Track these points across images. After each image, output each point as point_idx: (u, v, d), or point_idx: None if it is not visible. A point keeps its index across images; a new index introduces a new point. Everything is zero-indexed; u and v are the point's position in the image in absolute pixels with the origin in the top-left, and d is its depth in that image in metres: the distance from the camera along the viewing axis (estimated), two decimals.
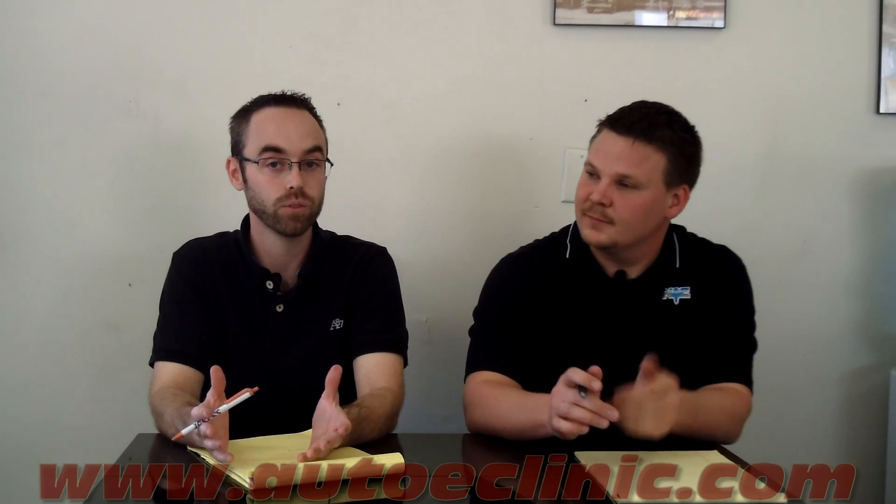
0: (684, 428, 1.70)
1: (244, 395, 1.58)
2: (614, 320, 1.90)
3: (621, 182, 1.82)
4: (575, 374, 1.60)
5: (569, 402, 1.60)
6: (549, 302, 1.92)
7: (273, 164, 1.84)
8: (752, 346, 1.94)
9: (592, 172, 1.86)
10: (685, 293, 1.91)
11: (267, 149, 1.84)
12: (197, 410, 1.55)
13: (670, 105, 1.89)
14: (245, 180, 1.88)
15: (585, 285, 1.92)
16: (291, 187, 1.82)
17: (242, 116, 1.89)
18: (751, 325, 1.95)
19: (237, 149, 1.89)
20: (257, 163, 1.84)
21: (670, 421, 1.61)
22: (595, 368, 1.60)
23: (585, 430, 1.60)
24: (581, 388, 1.60)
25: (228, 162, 1.91)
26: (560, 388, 1.62)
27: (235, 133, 1.89)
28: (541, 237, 2.04)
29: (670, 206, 1.87)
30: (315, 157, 1.87)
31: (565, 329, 1.90)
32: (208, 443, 1.54)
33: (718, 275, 1.93)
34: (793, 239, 2.48)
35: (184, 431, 1.56)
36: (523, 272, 1.95)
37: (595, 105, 2.38)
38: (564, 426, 1.59)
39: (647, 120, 1.82)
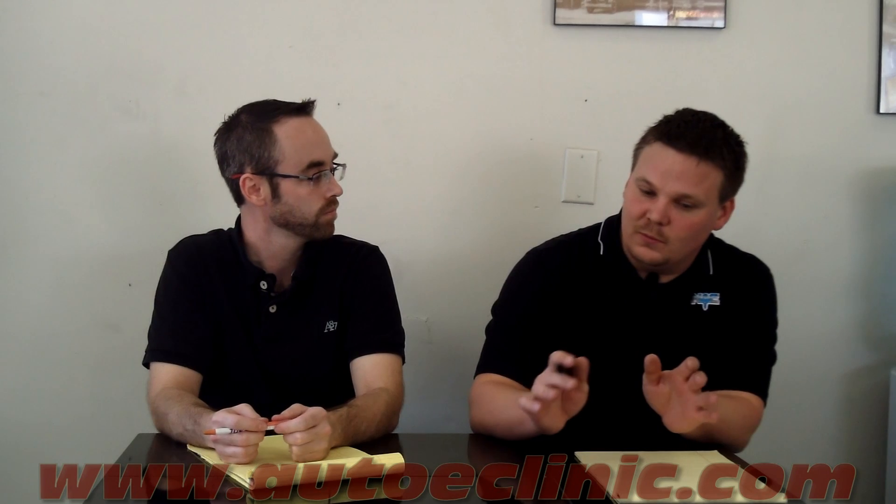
0: (697, 431, 1.70)
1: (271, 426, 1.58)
2: (641, 323, 1.89)
3: (679, 201, 1.79)
4: (554, 355, 1.60)
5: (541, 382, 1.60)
6: (574, 300, 1.90)
7: (317, 178, 1.85)
8: (772, 358, 1.93)
9: (648, 190, 1.81)
10: (714, 300, 1.90)
11: (312, 164, 1.84)
12: (247, 422, 1.53)
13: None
14: (277, 196, 1.84)
15: (614, 285, 1.90)
16: (334, 195, 1.87)
17: (259, 130, 1.83)
18: (773, 337, 1.93)
19: (262, 165, 1.83)
20: (298, 178, 1.83)
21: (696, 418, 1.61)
22: (582, 359, 1.60)
23: (536, 406, 1.59)
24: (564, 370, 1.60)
25: (244, 180, 1.84)
26: (544, 372, 1.62)
27: (256, 148, 1.83)
28: (542, 237, 2.03)
29: (719, 217, 1.86)
30: (336, 162, 1.90)
31: (589, 328, 1.88)
32: (235, 450, 1.53)
33: (748, 284, 1.92)
34: (793, 239, 2.48)
35: (218, 431, 1.54)
36: (547, 269, 1.92)
37: (595, 105, 2.41)
38: (523, 401, 1.60)
39: (707, 137, 1.78)
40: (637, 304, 1.89)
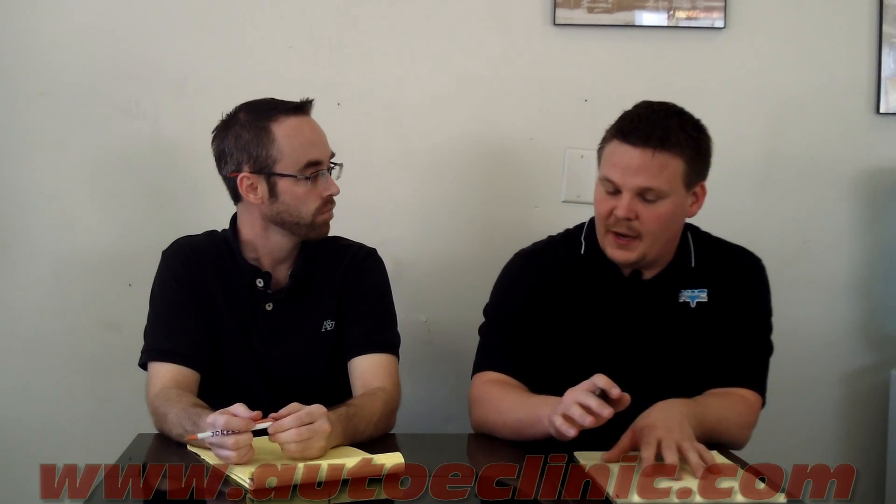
0: (695, 431, 1.69)
1: (268, 423, 1.57)
2: (629, 321, 1.88)
3: (643, 195, 1.79)
4: (599, 379, 1.59)
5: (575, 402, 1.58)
6: (562, 300, 1.90)
7: (314, 177, 1.85)
8: (768, 349, 1.92)
9: (612, 189, 1.81)
10: (702, 296, 1.89)
11: (310, 164, 1.84)
12: (236, 423, 1.53)
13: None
14: (275, 195, 1.85)
15: (600, 284, 1.90)
16: (331, 194, 1.87)
17: (257, 129, 1.83)
18: (768, 328, 1.92)
19: (260, 164, 1.83)
20: (296, 177, 1.83)
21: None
22: (625, 396, 1.59)
23: (573, 433, 1.58)
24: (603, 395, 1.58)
25: (242, 179, 1.84)
26: (580, 389, 1.60)
27: (254, 147, 1.83)
28: (542, 237, 2.03)
29: (690, 204, 1.86)
30: (333, 161, 1.89)
31: (578, 328, 1.88)
32: (228, 453, 1.52)
33: (736, 277, 1.91)
34: (793, 239, 2.48)
35: (199, 436, 1.55)
36: (536, 269, 1.93)
37: (595, 105, 2.41)
38: (559, 421, 1.58)
39: (661, 127, 1.78)
40: (624, 302, 1.89)
